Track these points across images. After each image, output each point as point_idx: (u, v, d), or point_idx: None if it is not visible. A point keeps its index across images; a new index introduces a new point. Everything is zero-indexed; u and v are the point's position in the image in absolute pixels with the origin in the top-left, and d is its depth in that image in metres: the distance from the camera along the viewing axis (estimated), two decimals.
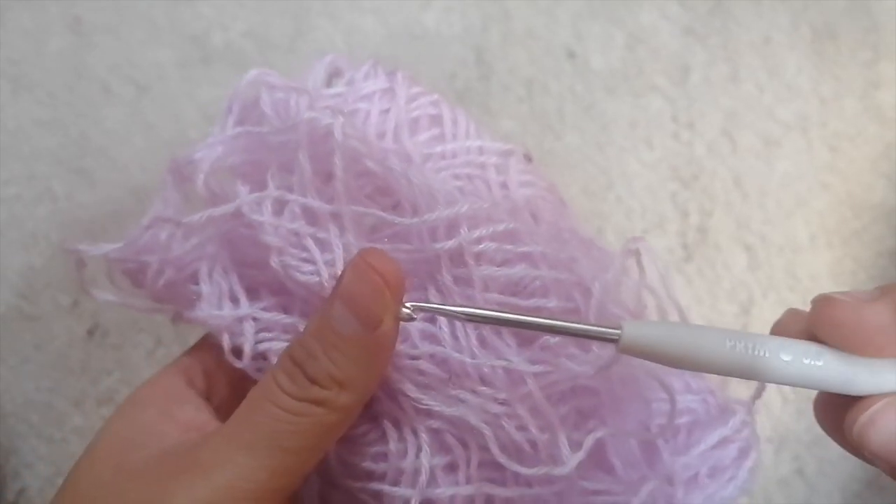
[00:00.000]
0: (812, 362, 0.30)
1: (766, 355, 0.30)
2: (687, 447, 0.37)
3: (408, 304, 0.33)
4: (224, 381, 0.39)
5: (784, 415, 0.52)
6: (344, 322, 0.32)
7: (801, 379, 0.30)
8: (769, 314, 0.54)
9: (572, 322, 0.32)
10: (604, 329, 0.31)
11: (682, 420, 0.38)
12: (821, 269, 0.55)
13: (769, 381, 0.31)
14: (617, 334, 0.31)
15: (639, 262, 0.37)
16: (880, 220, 0.56)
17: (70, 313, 0.50)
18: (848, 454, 0.32)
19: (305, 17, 0.57)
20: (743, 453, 0.39)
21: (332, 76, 0.43)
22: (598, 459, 0.36)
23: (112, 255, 0.38)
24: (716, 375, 0.36)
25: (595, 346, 0.34)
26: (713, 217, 0.55)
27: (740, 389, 0.38)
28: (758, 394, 0.37)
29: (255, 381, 0.36)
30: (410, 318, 0.33)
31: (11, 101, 0.54)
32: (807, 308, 0.32)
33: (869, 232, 0.56)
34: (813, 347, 0.30)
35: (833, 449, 0.51)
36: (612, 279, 0.35)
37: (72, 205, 0.52)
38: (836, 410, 0.31)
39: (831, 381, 0.30)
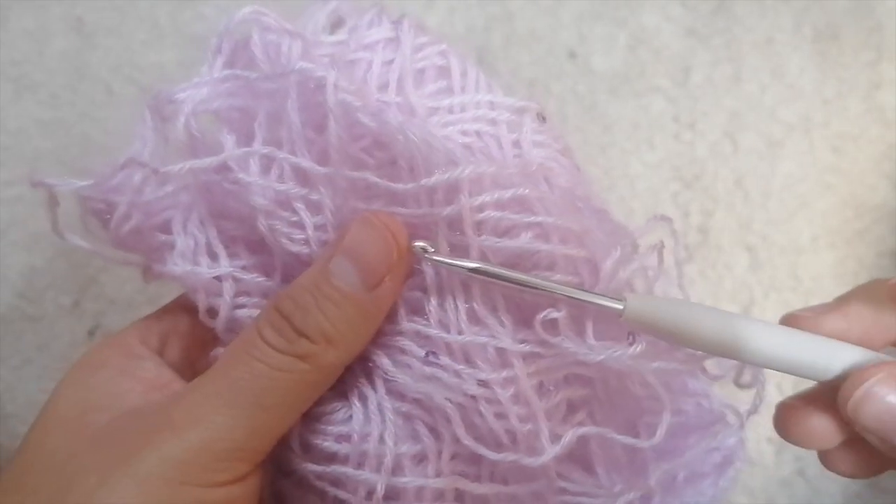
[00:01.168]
0: (790, 338, 0.31)
1: (746, 332, 0.31)
2: (672, 450, 0.36)
3: (419, 244, 0.32)
4: (179, 344, 0.36)
5: (756, 390, 0.52)
6: (344, 276, 0.31)
7: (781, 361, 0.31)
8: (770, 315, 0.53)
9: (577, 288, 0.32)
10: (608, 298, 0.31)
11: (672, 420, 0.36)
12: (823, 270, 0.55)
13: (749, 362, 0.32)
14: (621, 303, 0.31)
15: (660, 253, 0.35)
16: (883, 221, 0.56)
17: (71, 314, 0.50)
18: None
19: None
20: (725, 462, 0.38)
21: (335, 25, 0.39)
22: (580, 458, 0.34)
23: (82, 191, 0.35)
24: (715, 379, 0.36)
25: (592, 337, 0.33)
26: (715, 217, 0.55)
27: (740, 395, 0.37)
28: (754, 408, 0.36)
29: (212, 348, 0.34)
30: (423, 252, 0.32)
31: (14, 101, 0.54)
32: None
33: (871, 232, 0.56)
34: (794, 329, 0.32)
35: None
36: (623, 257, 0.33)
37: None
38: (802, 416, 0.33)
39: (808, 364, 0.31)
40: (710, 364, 0.35)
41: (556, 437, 0.33)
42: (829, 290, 0.54)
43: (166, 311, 0.37)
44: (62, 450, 0.31)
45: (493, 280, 0.32)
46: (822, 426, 0.33)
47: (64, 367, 0.49)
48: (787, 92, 0.57)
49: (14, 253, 0.51)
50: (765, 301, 0.54)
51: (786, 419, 0.34)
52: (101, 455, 0.30)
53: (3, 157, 0.52)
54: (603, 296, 0.32)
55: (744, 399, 0.37)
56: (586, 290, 0.32)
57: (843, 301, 0.33)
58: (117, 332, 0.36)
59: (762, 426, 0.52)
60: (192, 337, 0.36)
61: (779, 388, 0.52)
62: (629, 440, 0.34)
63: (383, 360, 0.34)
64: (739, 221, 0.55)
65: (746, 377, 0.36)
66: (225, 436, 0.30)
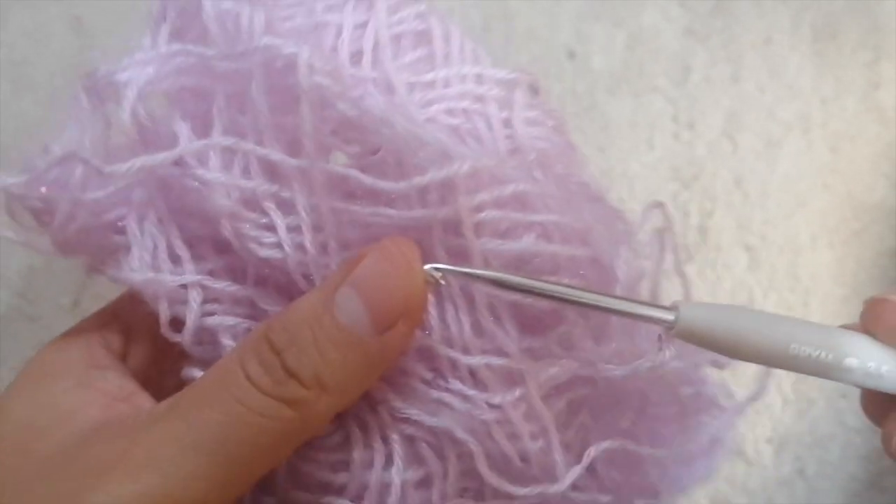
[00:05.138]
0: (877, 370, 0.28)
1: (831, 359, 0.28)
2: (668, 439, 0.33)
3: (435, 266, 0.28)
4: (145, 340, 0.33)
5: (785, 415, 0.52)
6: (351, 313, 0.27)
7: (864, 382, 0.29)
8: None
9: (620, 298, 0.28)
10: (656, 310, 0.28)
11: (669, 411, 0.33)
12: (821, 270, 0.55)
13: (838, 380, 0.29)
14: (672, 315, 0.27)
15: (662, 239, 0.33)
16: (881, 220, 0.56)
17: (70, 314, 0.50)
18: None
19: None
20: (715, 441, 0.36)
21: None
22: (579, 457, 0.31)
23: (13, 189, 0.30)
24: (722, 368, 0.34)
25: (615, 341, 0.30)
26: (714, 217, 0.55)
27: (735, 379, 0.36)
28: (755, 397, 0.34)
29: (179, 349, 0.31)
30: (438, 284, 0.28)
31: (13, 101, 0.54)
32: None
33: (870, 232, 0.56)
34: (878, 352, 0.28)
35: (834, 450, 0.51)
36: (630, 255, 0.31)
37: None
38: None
39: (892, 385, 0.29)
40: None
41: (563, 447, 0.31)
42: (828, 290, 0.54)
43: (129, 299, 0.33)
44: (9, 478, 0.28)
45: (520, 293, 0.28)
46: None
47: None
48: (786, 92, 0.57)
49: (13, 252, 0.51)
50: (764, 301, 0.54)
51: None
52: (46, 490, 0.27)
53: (1, 157, 0.52)
54: (649, 305, 0.28)
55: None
56: (628, 300, 0.28)
57: None
58: (76, 328, 0.33)
59: (761, 426, 0.52)
60: (158, 335, 0.31)
61: (779, 388, 0.52)
62: (646, 450, 0.31)
63: (389, 395, 0.30)
64: (738, 221, 0.55)
65: None
66: (186, 485, 0.26)
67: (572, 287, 0.28)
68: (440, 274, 0.28)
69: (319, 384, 0.27)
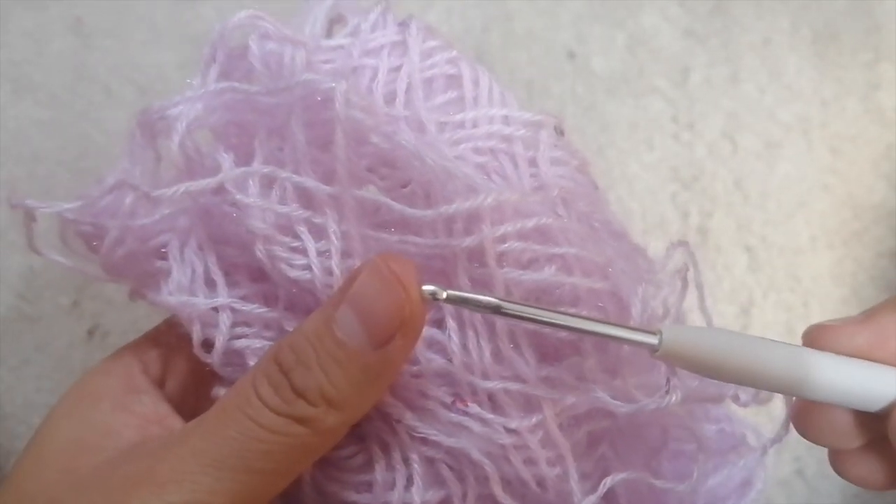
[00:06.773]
0: (852, 371, 0.29)
1: (808, 366, 0.28)
2: (693, 476, 0.33)
3: (434, 287, 0.29)
4: (183, 366, 0.34)
5: (784, 415, 0.52)
6: (349, 331, 0.28)
7: (840, 395, 0.29)
8: (769, 315, 0.53)
9: (606, 323, 0.29)
10: (640, 332, 0.28)
11: (692, 447, 0.33)
12: (821, 271, 0.55)
13: (809, 398, 0.29)
14: (656, 338, 0.28)
15: (684, 278, 0.33)
16: (881, 222, 0.56)
17: (70, 314, 0.50)
18: None
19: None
20: (746, 483, 0.36)
21: (334, 23, 0.37)
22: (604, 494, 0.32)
23: (67, 215, 0.32)
24: (744, 405, 0.34)
25: (630, 375, 0.30)
26: (714, 218, 0.55)
27: (759, 418, 0.36)
28: (778, 437, 0.34)
29: (214, 378, 0.32)
30: (434, 300, 0.29)
31: (13, 102, 0.54)
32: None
33: (869, 233, 0.56)
34: (854, 359, 0.29)
35: None
36: (650, 292, 0.32)
37: None
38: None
39: (870, 394, 0.29)
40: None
41: (582, 477, 0.31)
42: (828, 291, 0.54)
43: (170, 326, 0.35)
44: (46, 492, 0.30)
45: (515, 318, 0.29)
46: (843, 421, 0.30)
47: (63, 367, 0.50)
48: (786, 93, 0.58)
49: (13, 253, 0.51)
50: (764, 302, 0.54)
51: (805, 412, 0.31)
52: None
53: (2, 157, 0.52)
54: (634, 329, 0.29)
55: (765, 418, 0.36)
56: (614, 324, 0.29)
57: (872, 314, 0.30)
58: (118, 352, 0.35)
59: (762, 427, 0.52)
60: (196, 361, 0.33)
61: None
62: (666, 485, 0.32)
63: (406, 415, 0.31)
64: (738, 222, 0.55)
65: (763, 395, 0.34)
66: (208, 498, 0.28)
67: (556, 311, 0.29)
68: (432, 291, 0.29)
69: (326, 400, 0.28)
